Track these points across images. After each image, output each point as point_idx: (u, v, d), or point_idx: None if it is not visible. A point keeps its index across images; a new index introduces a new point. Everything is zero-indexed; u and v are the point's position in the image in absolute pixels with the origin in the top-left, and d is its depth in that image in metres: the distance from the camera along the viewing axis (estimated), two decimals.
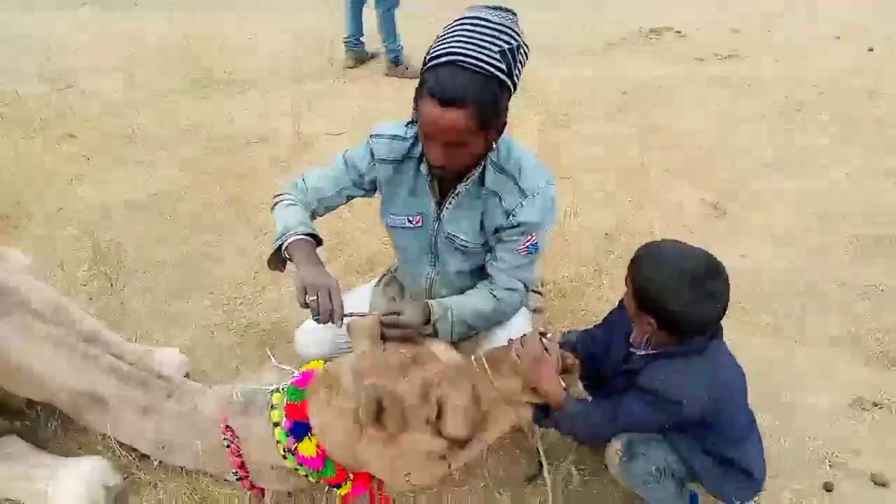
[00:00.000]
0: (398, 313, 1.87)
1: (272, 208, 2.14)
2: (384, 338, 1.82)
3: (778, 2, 7.07)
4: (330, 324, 1.82)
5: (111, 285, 2.93)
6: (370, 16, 5.50)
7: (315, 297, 1.80)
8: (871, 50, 5.84)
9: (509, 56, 1.71)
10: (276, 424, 1.75)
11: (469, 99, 1.68)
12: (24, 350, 1.98)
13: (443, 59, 1.70)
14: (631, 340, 1.92)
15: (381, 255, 3.22)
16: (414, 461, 1.67)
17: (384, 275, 2.49)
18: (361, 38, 5.68)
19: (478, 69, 1.68)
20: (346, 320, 1.82)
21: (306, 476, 1.78)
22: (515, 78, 1.76)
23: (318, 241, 2.05)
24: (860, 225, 3.49)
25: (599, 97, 4.98)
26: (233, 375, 2.60)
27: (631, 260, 1.76)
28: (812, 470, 2.19)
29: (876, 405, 2.42)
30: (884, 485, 2.13)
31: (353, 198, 2.22)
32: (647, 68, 5.55)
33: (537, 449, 2.21)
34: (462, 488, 2.15)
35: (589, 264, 3.20)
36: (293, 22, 6.85)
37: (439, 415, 1.63)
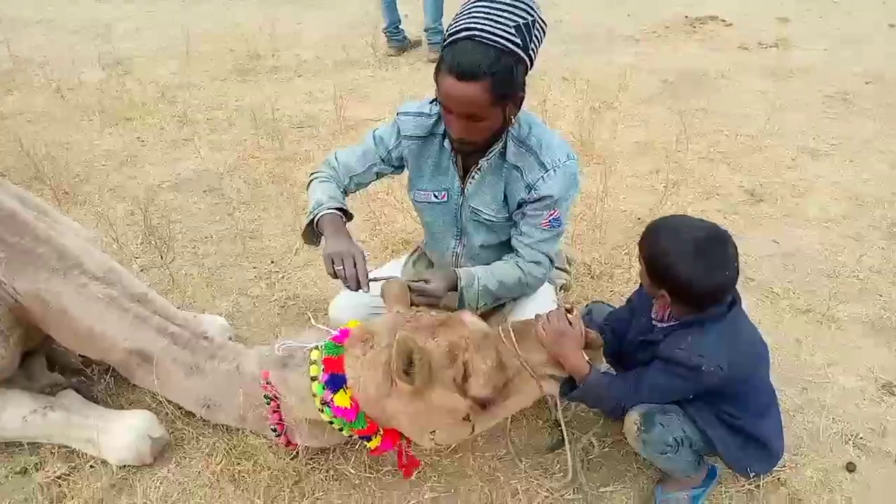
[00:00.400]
0: (425, 281, 1.97)
1: (307, 186, 2.27)
2: (413, 304, 1.92)
3: None
4: (360, 290, 1.94)
5: (161, 257, 3.10)
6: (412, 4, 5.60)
7: (342, 267, 1.92)
8: None
9: (525, 31, 1.78)
10: (314, 379, 1.86)
11: (485, 72, 1.76)
12: (81, 308, 2.13)
13: (460, 35, 1.80)
14: (653, 315, 1.97)
15: (416, 233, 3.32)
16: (439, 419, 1.77)
17: (415, 250, 2.59)
18: (400, 27, 5.79)
19: (493, 43, 1.76)
20: (376, 284, 1.94)
21: (340, 429, 1.89)
22: (532, 52, 1.83)
23: (349, 216, 2.17)
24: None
25: (640, 84, 4.97)
26: None
27: (642, 235, 1.81)
28: (836, 449, 2.20)
29: None
30: None
31: (382, 175, 2.32)
32: (689, 56, 5.50)
33: (557, 421, 2.29)
34: (485, 455, 2.23)
35: (620, 248, 3.23)
36: (340, 10, 7.00)
37: (465, 378, 1.72)
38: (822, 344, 2.65)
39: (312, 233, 2.21)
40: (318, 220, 2.10)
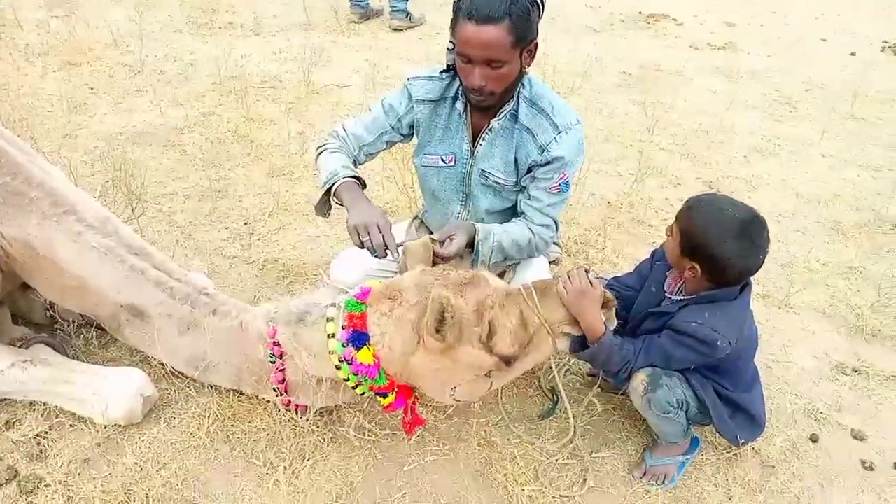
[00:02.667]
0: (452, 236, 1.99)
1: (316, 158, 2.24)
2: (435, 262, 1.94)
3: (770, 0, 7.30)
4: (388, 258, 1.94)
5: (132, 210, 2.95)
6: None
7: (367, 237, 1.93)
8: (853, 54, 6.11)
9: None
10: (331, 336, 1.84)
11: (504, 14, 1.83)
12: (73, 257, 2.01)
13: None
14: (665, 288, 2.07)
15: (396, 201, 3.31)
16: (462, 375, 1.80)
17: (415, 217, 2.59)
18: None
19: None
20: (402, 248, 1.94)
21: (355, 387, 1.88)
22: None
23: (363, 184, 2.15)
24: (839, 210, 3.72)
25: (602, 73, 5.11)
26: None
27: (682, 209, 1.89)
28: (800, 423, 2.39)
29: (855, 371, 2.64)
30: (862, 439, 2.35)
31: (392, 143, 2.32)
32: (646, 51, 5.70)
33: (552, 389, 2.38)
34: (480, 421, 2.28)
35: (593, 229, 3.34)
36: None
37: (489, 335, 1.75)
38: (781, 327, 2.85)
39: (324, 205, 2.19)
40: (336, 189, 2.08)
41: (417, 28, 5.65)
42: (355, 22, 5.66)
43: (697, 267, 1.84)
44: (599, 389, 2.35)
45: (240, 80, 4.31)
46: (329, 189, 2.11)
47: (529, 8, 1.88)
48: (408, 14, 5.60)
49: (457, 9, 1.91)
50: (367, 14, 5.72)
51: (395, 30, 5.57)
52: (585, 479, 2.11)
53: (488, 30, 1.84)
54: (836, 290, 3.10)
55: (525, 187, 2.18)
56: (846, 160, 4.27)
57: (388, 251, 1.93)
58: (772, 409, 2.40)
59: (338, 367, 1.86)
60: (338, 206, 2.15)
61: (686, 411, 2.00)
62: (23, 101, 3.91)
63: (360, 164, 2.28)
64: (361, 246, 1.95)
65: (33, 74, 4.23)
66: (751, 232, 1.80)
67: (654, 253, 2.17)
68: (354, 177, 2.12)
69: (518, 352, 1.78)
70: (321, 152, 2.22)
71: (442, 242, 1.99)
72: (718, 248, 1.79)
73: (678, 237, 1.88)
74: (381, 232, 1.94)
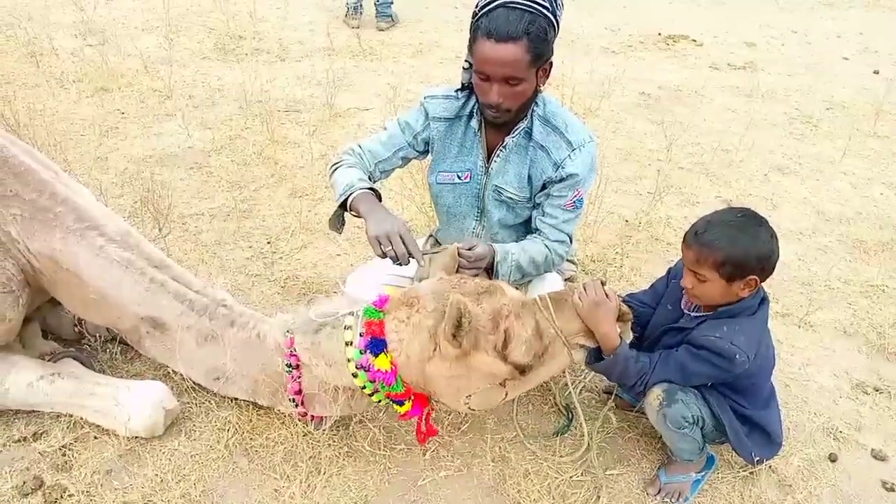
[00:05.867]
0: (473, 247, 2.03)
1: (331, 174, 2.28)
2: (458, 271, 1.98)
3: (790, 20, 7.28)
4: (411, 264, 1.98)
5: (159, 230, 3.04)
6: None
7: (390, 247, 1.95)
8: (876, 72, 6.06)
9: None
10: (349, 343, 1.88)
11: (522, 33, 1.90)
12: (95, 270, 2.07)
13: (495, 4, 1.92)
14: (682, 305, 2.08)
15: (414, 220, 3.36)
16: (477, 383, 1.82)
17: (430, 236, 2.63)
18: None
19: (527, 8, 1.90)
20: (427, 256, 1.99)
21: (371, 394, 1.91)
22: (559, 18, 1.98)
23: (379, 197, 2.19)
24: (861, 229, 3.68)
25: (621, 93, 5.14)
26: None
27: (700, 252, 1.88)
28: (818, 442, 2.36)
29: (877, 390, 2.61)
30: (883, 459, 2.31)
31: (408, 160, 2.37)
32: (665, 72, 5.72)
33: (567, 406, 2.39)
34: (494, 437, 2.30)
35: (611, 247, 3.36)
36: None
37: (505, 344, 1.78)
38: (800, 345, 2.83)
39: (338, 219, 2.24)
40: (351, 201, 2.11)
41: (438, 52, 5.76)
42: (355, 28, 6.06)
43: (756, 278, 1.86)
44: (614, 405, 2.36)
45: (265, 105, 4.43)
46: (344, 203, 2.14)
47: (546, 28, 1.94)
48: (391, 16, 6.22)
49: (475, 28, 1.98)
50: (393, 22, 6.21)
51: (381, 30, 6.11)
52: (599, 496, 2.11)
53: (507, 48, 1.91)
54: (858, 308, 3.07)
55: (539, 204, 2.23)
56: (868, 178, 4.23)
57: (411, 259, 1.96)
58: (790, 428, 2.37)
59: (354, 375, 1.89)
60: (354, 217, 2.16)
61: (702, 428, 2.00)
62: (57, 126, 4.07)
63: (374, 180, 2.32)
64: (384, 256, 1.97)
65: (67, 100, 4.40)
66: (755, 218, 1.88)
67: (669, 270, 2.19)
68: (371, 189, 2.16)
69: (533, 361, 1.81)
70: (336, 168, 2.27)
71: (468, 249, 2.02)
72: (757, 248, 1.84)
73: (716, 272, 1.85)
74: (403, 240, 1.96)
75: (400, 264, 1.97)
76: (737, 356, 1.84)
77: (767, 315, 1.98)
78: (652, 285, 2.25)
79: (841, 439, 2.38)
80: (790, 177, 4.20)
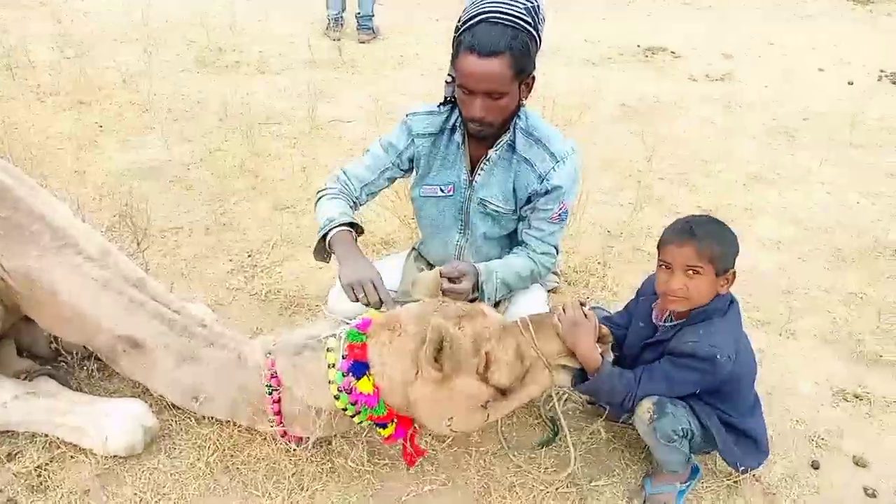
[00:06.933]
0: (458, 279, 2.02)
1: (315, 203, 2.30)
2: (443, 294, 1.98)
3: (767, 33, 7.41)
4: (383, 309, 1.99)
5: (137, 244, 3.00)
6: None
7: (363, 294, 1.98)
8: (850, 83, 6.17)
9: (533, 13, 1.96)
10: (332, 366, 1.86)
11: (505, 48, 1.91)
12: (72, 288, 2.04)
13: (478, 19, 1.94)
14: (653, 318, 2.09)
15: (397, 233, 3.35)
16: (459, 406, 1.82)
17: (412, 249, 2.62)
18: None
19: (509, 23, 1.91)
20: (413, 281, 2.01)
21: (353, 416, 1.89)
22: (540, 33, 2.00)
23: (359, 230, 2.21)
24: (839, 237, 3.73)
25: (601, 105, 5.19)
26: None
27: (701, 248, 1.91)
28: (801, 449, 2.37)
29: (857, 397, 2.63)
30: (864, 466, 2.33)
31: (393, 179, 2.39)
32: (644, 83, 5.78)
33: (552, 418, 2.38)
34: (479, 450, 2.28)
35: (593, 257, 3.37)
36: (304, 8, 6.94)
37: (486, 367, 1.77)
38: (781, 354, 2.85)
39: (322, 251, 2.24)
40: (330, 239, 2.13)
41: (419, 64, 5.78)
42: (336, 40, 6.05)
43: (734, 272, 1.94)
44: (602, 418, 2.35)
45: (245, 117, 4.41)
46: (325, 235, 2.16)
47: (528, 43, 1.96)
48: (372, 29, 6.26)
49: (458, 43, 1.99)
50: (374, 34, 6.25)
51: (363, 42, 6.13)
52: None
53: (490, 62, 1.92)
54: (837, 316, 3.10)
55: (525, 217, 2.23)
56: (845, 187, 4.28)
57: (383, 305, 1.98)
58: (773, 436, 2.37)
59: (336, 397, 1.88)
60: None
61: (690, 440, 2.00)
62: (34, 139, 4.02)
63: (362, 204, 2.35)
64: (356, 301, 1.99)
65: (44, 114, 4.35)
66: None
67: (638, 291, 2.21)
68: (351, 224, 2.17)
69: (514, 384, 1.81)
70: (320, 198, 2.28)
71: (451, 280, 2.01)
72: (735, 244, 1.94)
73: (712, 266, 1.89)
74: (375, 288, 1.99)
75: (373, 308, 1.99)
76: (717, 356, 1.86)
77: (739, 314, 2.01)
78: (625, 307, 2.27)
79: (823, 447, 2.40)
80: (769, 186, 4.25)
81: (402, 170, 2.34)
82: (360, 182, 2.30)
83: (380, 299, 1.98)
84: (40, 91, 4.61)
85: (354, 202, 2.30)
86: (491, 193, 2.22)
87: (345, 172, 2.32)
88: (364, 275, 2.00)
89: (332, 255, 2.17)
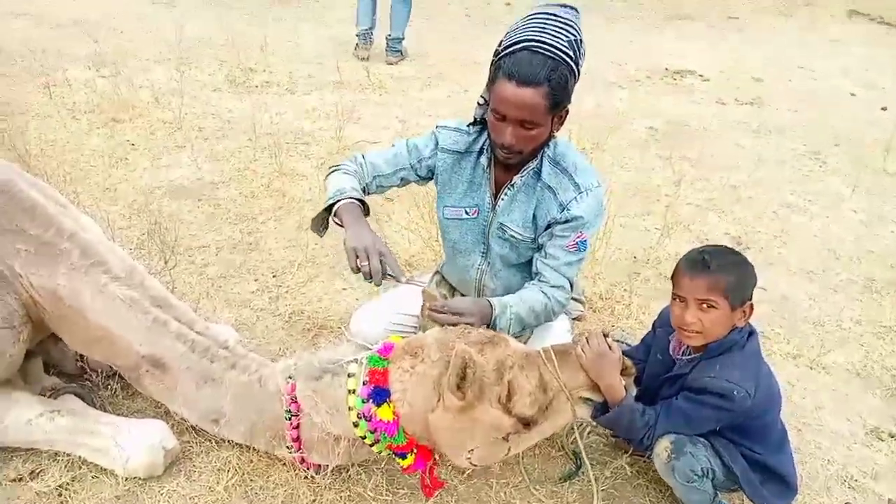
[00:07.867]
0: (460, 314, 1.98)
1: (326, 176, 2.26)
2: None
3: (796, 56, 7.33)
4: (382, 286, 1.96)
5: (165, 262, 3.03)
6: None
7: (366, 262, 1.93)
8: (884, 109, 6.06)
9: (575, 46, 1.93)
10: (352, 392, 1.85)
11: (544, 80, 1.89)
12: (98, 307, 2.06)
13: (519, 46, 1.91)
14: (671, 352, 2.05)
15: (420, 255, 3.34)
16: (480, 436, 1.79)
17: (435, 272, 2.61)
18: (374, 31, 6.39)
19: (551, 54, 1.89)
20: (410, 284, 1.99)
21: (372, 444, 1.87)
22: (580, 66, 1.97)
23: (367, 211, 2.16)
24: (873, 267, 3.64)
25: (628, 128, 5.16)
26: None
27: (716, 280, 1.88)
28: (834, 489, 2.30)
29: (892, 436, 2.54)
30: None
31: (406, 182, 2.35)
32: (672, 107, 5.74)
33: (574, 451, 2.33)
34: (500, 482, 2.24)
35: (619, 284, 3.32)
36: (334, 28, 7.05)
37: (509, 396, 1.74)
38: (812, 388, 2.77)
39: (321, 222, 2.20)
40: (338, 208, 2.08)
41: (446, 85, 5.81)
42: (392, 64, 6.16)
43: (752, 304, 1.91)
44: (626, 453, 2.30)
45: (274, 137, 4.46)
46: (331, 207, 2.11)
47: (567, 76, 1.94)
48: (401, 51, 6.31)
49: (497, 67, 1.97)
50: (402, 56, 6.31)
51: (390, 64, 6.18)
52: None
53: (527, 92, 1.90)
54: (871, 349, 3.01)
55: (542, 245, 2.20)
56: (879, 216, 4.19)
57: (384, 278, 1.93)
58: (803, 476, 2.31)
59: (355, 424, 1.86)
60: (337, 226, 2.13)
61: (712, 479, 1.94)
62: (68, 156, 4.10)
63: (369, 193, 2.30)
64: (357, 270, 1.94)
65: (79, 131, 4.44)
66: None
67: (653, 324, 2.17)
68: (360, 200, 2.13)
69: (537, 414, 1.77)
70: (333, 171, 2.25)
71: (439, 311, 1.96)
72: (753, 275, 1.91)
73: (726, 299, 1.85)
74: (382, 258, 1.94)
75: (369, 281, 1.93)
76: (735, 392, 1.81)
77: (758, 346, 1.97)
78: (642, 339, 2.24)
79: (856, 488, 2.32)
80: (799, 214, 4.18)
81: (418, 175, 2.30)
82: (374, 170, 2.27)
83: (382, 272, 1.92)
84: (76, 109, 4.71)
85: (365, 187, 2.26)
86: (511, 219, 2.20)
87: (363, 156, 2.29)
88: (371, 243, 1.94)
89: (327, 230, 2.13)
